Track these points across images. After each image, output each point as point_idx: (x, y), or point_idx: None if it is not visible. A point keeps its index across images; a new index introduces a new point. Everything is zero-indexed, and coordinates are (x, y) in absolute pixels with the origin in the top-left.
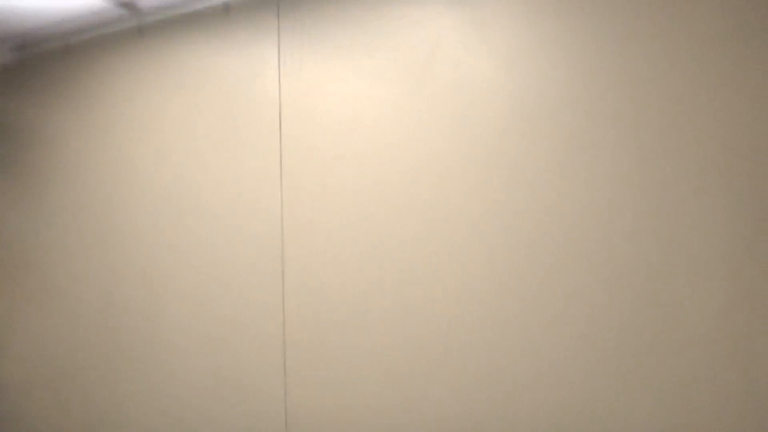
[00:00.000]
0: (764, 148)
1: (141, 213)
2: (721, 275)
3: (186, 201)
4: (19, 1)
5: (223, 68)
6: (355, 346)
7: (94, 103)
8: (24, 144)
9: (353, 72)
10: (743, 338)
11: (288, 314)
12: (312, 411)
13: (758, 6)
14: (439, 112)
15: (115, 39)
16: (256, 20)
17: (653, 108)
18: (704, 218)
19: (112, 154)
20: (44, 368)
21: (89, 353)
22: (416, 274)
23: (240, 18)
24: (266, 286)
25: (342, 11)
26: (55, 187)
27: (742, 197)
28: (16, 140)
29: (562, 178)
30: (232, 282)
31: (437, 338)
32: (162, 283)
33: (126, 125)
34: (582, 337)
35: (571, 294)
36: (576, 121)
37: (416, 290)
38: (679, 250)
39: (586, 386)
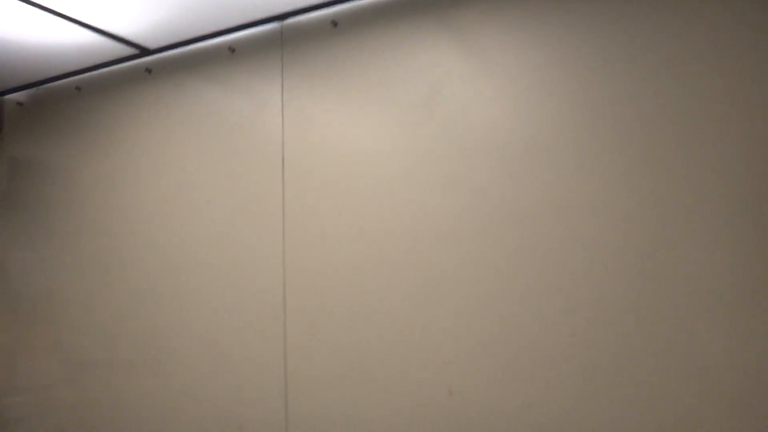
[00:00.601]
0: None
1: (146, 252)
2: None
3: (191, 240)
4: (32, 39)
5: (227, 107)
6: (357, 399)
7: (104, 141)
8: (35, 180)
9: (355, 111)
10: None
11: (291, 361)
12: None
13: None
14: (442, 150)
15: (124, 77)
16: (261, 60)
17: (656, 144)
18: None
19: (119, 192)
20: (45, 408)
21: (89, 396)
22: (419, 319)
23: (245, 58)
24: (269, 330)
25: (345, 54)
26: (63, 224)
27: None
28: (27, 176)
29: (564, 212)
30: (236, 324)
31: (438, 395)
32: (166, 325)
33: (134, 163)
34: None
35: (572, 317)
36: (578, 156)
37: (420, 336)
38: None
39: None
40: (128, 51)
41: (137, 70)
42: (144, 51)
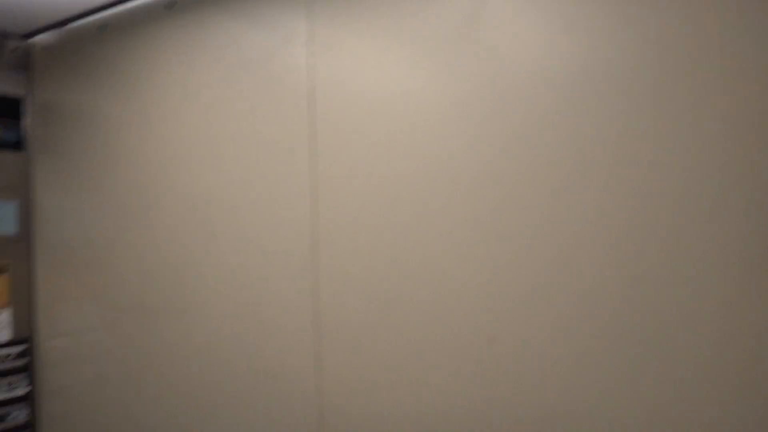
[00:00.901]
0: None
1: (174, 193)
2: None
3: (217, 180)
4: None
5: (252, 40)
6: (390, 343)
7: (130, 82)
8: (67, 125)
9: (387, 44)
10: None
11: (322, 305)
12: (344, 398)
13: None
14: (482, 87)
15: (146, 14)
16: None
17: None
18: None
19: (146, 133)
20: (85, 351)
21: (127, 339)
22: (456, 263)
23: None
24: (298, 273)
25: None
26: (95, 168)
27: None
28: (59, 121)
29: (622, 163)
30: (264, 265)
31: (477, 342)
32: (196, 268)
33: (159, 102)
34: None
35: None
36: (651, 93)
37: (461, 283)
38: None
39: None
40: None
41: (158, 7)
42: None
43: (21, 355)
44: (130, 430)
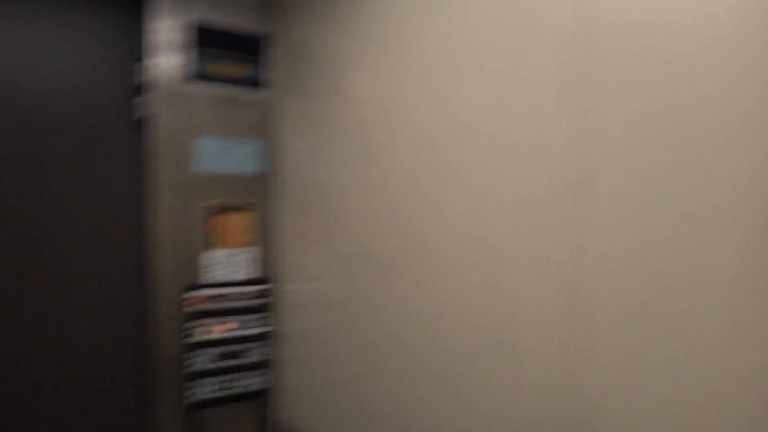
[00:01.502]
0: None
1: (405, 136)
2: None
3: (458, 126)
4: None
5: None
6: (671, 330)
7: (369, 17)
8: (307, 62)
9: None
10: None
11: (582, 269)
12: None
13: None
14: None
15: None
16: None
17: None
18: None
19: (380, 71)
20: (318, 297)
21: (356, 290)
22: None
23: None
24: (551, 224)
25: None
26: (331, 108)
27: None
28: (300, 58)
29: None
30: (509, 219)
31: None
32: (430, 219)
33: (397, 42)
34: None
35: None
36: None
37: None
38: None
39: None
40: None
41: None
42: None
43: (262, 294)
44: (354, 383)
